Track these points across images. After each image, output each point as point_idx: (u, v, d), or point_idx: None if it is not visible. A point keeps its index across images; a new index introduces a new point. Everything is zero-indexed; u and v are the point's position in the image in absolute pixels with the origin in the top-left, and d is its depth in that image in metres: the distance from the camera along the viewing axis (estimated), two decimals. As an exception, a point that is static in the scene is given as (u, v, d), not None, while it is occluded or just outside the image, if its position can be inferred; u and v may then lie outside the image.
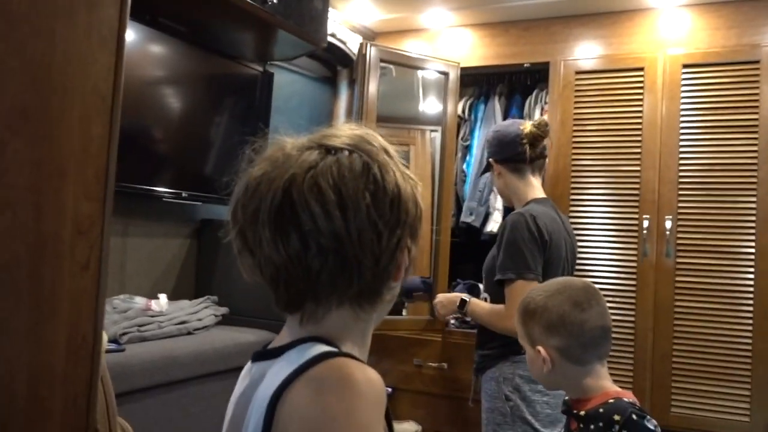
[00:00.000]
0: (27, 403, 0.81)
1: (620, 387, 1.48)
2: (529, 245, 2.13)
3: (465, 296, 2.42)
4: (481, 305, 2.33)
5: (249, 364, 0.94)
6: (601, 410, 1.37)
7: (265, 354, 0.90)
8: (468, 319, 2.75)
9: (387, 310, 0.96)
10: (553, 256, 2.21)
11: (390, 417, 0.88)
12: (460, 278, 3.34)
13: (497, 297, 2.25)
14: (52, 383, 0.85)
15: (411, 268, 0.95)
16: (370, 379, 0.77)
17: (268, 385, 0.82)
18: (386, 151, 0.92)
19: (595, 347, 1.42)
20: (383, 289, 0.90)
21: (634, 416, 1.32)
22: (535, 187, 2.35)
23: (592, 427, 1.36)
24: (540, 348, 1.43)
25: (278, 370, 0.83)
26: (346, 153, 0.86)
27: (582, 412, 1.40)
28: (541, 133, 2.29)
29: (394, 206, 0.87)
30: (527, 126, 2.31)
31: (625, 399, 1.38)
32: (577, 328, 1.40)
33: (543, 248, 2.17)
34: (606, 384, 1.44)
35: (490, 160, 2.40)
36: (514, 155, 2.31)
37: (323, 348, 0.84)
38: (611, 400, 1.38)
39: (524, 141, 2.29)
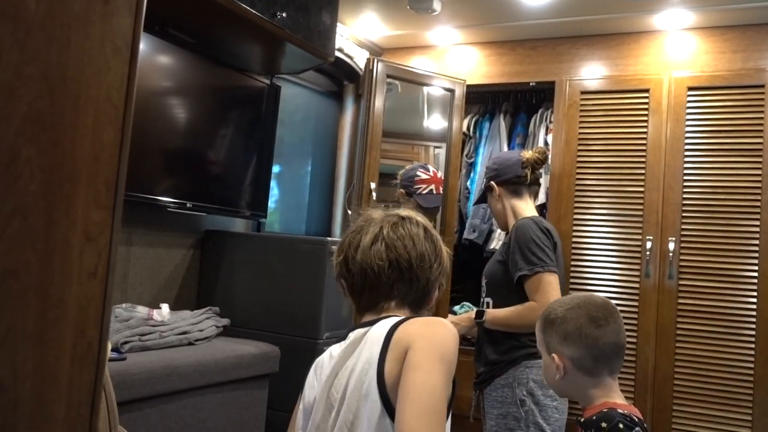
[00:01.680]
0: (31, 409, 0.81)
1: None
2: (545, 242, 2.25)
3: (478, 308, 2.43)
4: (502, 310, 2.31)
5: (336, 345, 1.38)
6: (594, 418, 1.43)
7: (357, 326, 1.35)
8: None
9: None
10: (558, 262, 2.29)
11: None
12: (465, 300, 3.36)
13: (503, 300, 2.29)
14: (57, 389, 0.85)
15: (439, 299, 1.50)
16: (452, 326, 1.28)
17: (379, 330, 1.28)
18: (430, 226, 1.47)
19: (606, 362, 1.49)
20: (424, 305, 1.43)
21: (620, 425, 1.38)
22: (532, 208, 2.48)
23: None
24: (555, 356, 1.51)
25: (384, 325, 1.29)
26: (415, 221, 1.44)
27: (582, 419, 1.47)
28: (541, 157, 2.46)
29: (438, 254, 1.43)
30: (528, 152, 2.48)
31: (620, 410, 1.43)
32: (592, 341, 1.48)
33: (553, 249, 2.28)
34: (612, 396, 1.49)
35: (492, 182, 2.50)
36: (515, 177, 2.45)
37: (402, 316, 1.34)
38: (605, 410, 1.44)
39: (525, 165, 2.45)
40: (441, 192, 3.31)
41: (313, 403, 1.34)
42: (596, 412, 1.45)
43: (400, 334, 1.24)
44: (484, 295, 2.46)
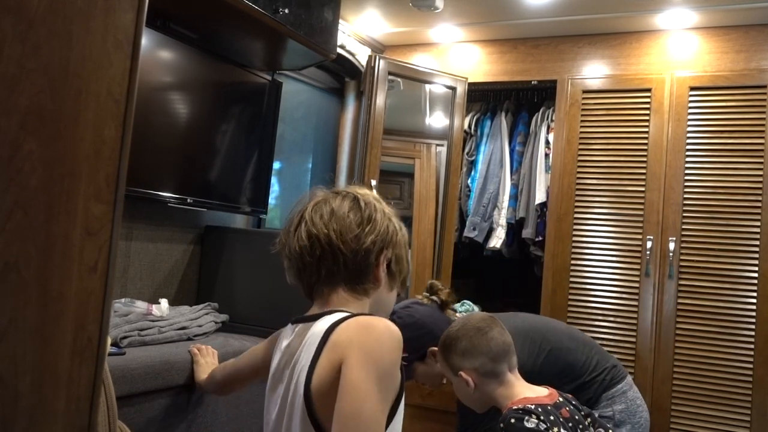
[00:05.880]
0: (31, 403, 0.81)
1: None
2: None
3: None
4: None
5: (290, 325, 1.36)
6: (499, 425, 1.61)
7: (305, 318, 1.31)
8: None
9: (384, 303, 1.38)
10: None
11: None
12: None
13: None
14: (57, 384, 0.85)
15: (396, 282, 1.38)
16: (395, 328, 1.18)
17: (320, 328, 1.21)
18: (375, 198, 1.37)
19: (502, 359, 1.68)
20: (365, 281, 1.31)
21: (512, 420, 1.55)
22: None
23: None
24: (462, 373, 1.69)
25: (325, 321, 1.23)
26: (345, 194, 1.35)
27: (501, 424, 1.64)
28: (447, 297, 2.15)
29: (368, 222, 1.30)
30: (440, 292, 2.15)
31: (514, 407, 1.60)
32: (485, 347, 1.68)
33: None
34: (517, 391, 1.67)
35: (432, 348, 2.01)
36: (445, 325, 1.99)
37: (352, 311, 1.26)
38: (504, 412, 1.61)
39: (444, 308, 2.13)
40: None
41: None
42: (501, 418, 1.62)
43: (338, 336, 1.17)
44: None
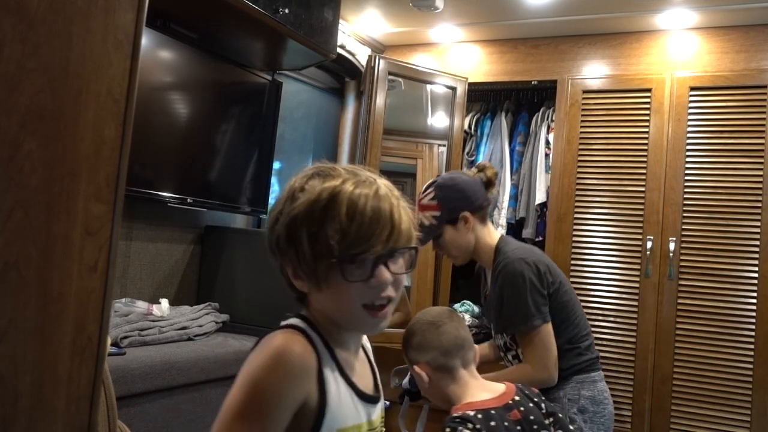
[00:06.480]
0: (31, 402, 0.81)
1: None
2: (539, 287, 2.04)
3: None
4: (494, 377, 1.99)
5: None
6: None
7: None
8: None
9: (335, 301, 1.09)
10: (566, 290, 2.11)
11: (324, 382, 1.03)
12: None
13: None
14: (57, 383, 0.85)
15: (317, 276, 1.06)
16: (288, 348, 1.01)
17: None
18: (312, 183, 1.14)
19: (454, 354, 1.66)
20: (303, 292, 1.12)
21: (446, 429, 1.53)
22: (493, 231, 2.20)
23: None
24: (415, 367, 1.68)
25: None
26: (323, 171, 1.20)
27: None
28: (493, 178, 2.19)
29: (288, 209, 1.08)
30: (475, 171, 2.18)
31: (454, 414, 1.58)
32: (436, 341, 1.66)
33: (555, 285, 2.07)
34: (469, 392, 1.64)
35: (466, 212, 2.09)
36: (484, 202, 2.15)
37: (292, 321, 1.11)
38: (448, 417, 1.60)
39: (487, 186, 2.17)
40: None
41: None
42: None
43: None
44: (510, 353, 2.14)
